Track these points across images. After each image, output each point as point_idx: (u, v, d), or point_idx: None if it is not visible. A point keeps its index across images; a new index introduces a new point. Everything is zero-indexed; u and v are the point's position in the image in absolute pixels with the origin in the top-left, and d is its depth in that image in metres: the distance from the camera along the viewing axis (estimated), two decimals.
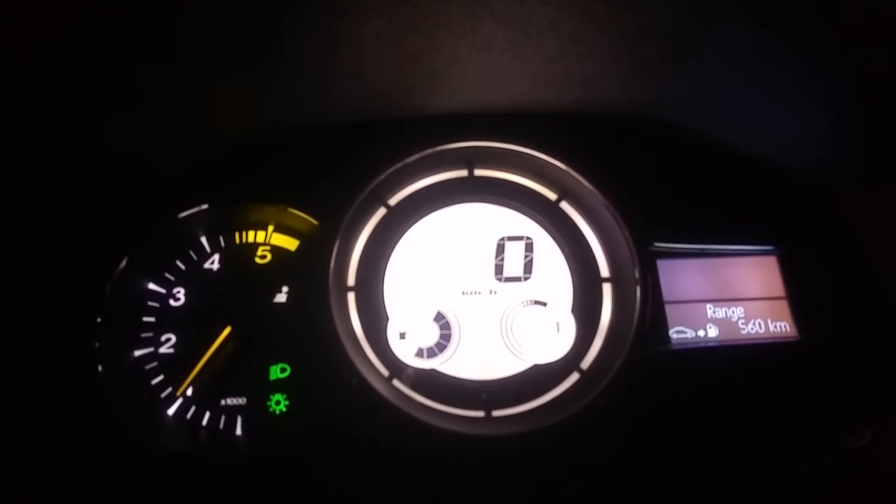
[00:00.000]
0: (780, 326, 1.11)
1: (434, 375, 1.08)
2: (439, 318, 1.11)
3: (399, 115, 1.12)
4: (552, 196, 1.19)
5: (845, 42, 0.77)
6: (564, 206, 1.19)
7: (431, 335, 1.09)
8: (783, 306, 1.12)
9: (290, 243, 1.15)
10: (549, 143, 1.12)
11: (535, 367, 1.09)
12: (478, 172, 1.20)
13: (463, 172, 1.20)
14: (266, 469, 0.97)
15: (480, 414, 1.05)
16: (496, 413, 1.05)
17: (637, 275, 1.06)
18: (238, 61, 0.86)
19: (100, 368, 0.99)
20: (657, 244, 1.11)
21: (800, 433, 1.02)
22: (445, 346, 1.09)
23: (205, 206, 1.08)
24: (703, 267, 1.13)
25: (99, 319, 1.01)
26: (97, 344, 1.00)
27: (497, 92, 1.04)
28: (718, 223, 1.14)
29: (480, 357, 1.09)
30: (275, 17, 0.76)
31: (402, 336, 1.09)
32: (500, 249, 1.15)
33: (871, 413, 1.04)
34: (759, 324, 1.10)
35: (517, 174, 1.20)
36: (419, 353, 1.08)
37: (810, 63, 0.84)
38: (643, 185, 1.12)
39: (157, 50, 0.76)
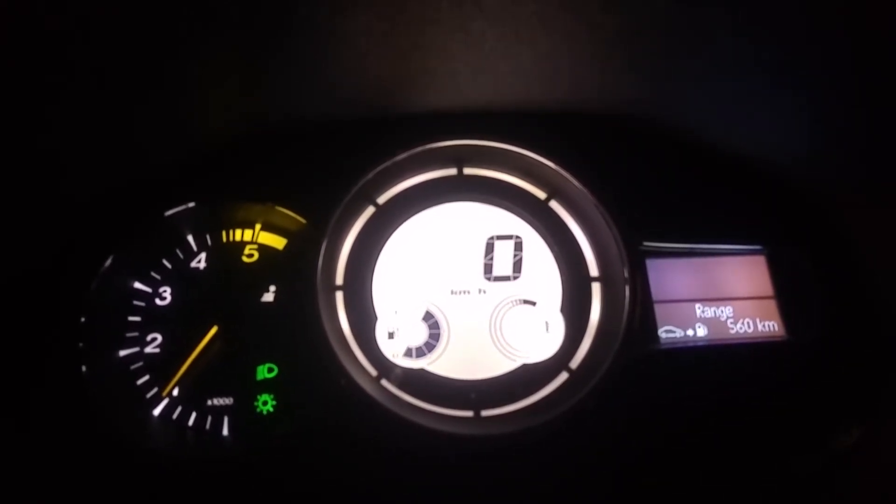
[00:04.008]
0: (769, 326, 1.11)
1: (423, 375, 1.07)
2: (428, 317, 1.10)
3: (388, 113, 1.11)
4: (541, 195, 1.19)
5: (830, 46, 0.78)
6: (554, 205, 1.18)
7: (420, 334, 1.09)
8: (771, 306, 1.12)
9: (277, 242, 1.13)
10: (539, 142, 1.12)
11: (524, 366, 1.08)
12: (467, 171, 1.20)
13: (452, 171, 1.20)
14: (253, 470, 0.96)
15: (469, 414, 1.05)
16: (485, 413, 1.05)
17: (626, 274, 1.06)
18: (233, 59, 0.85)
19: (84, 368, 0.97)
20: (646, 243, 1.11)
21: (788, 433, 1.03)
22: (434, 346, 1.08)
23: (191, 204, 1.07)
24: (692, 266, 1.13)
25: (83, 319, 1.00)
26: (81, 344, 0.99)
27: (487, 90, 1.03)
28: (707, 222, 1.14)
29: (469, 356, 1.09)
30: (267, 14, 0.75)
31: (391, 335, 1.08)
32: (490, 248, 1.15)
33: (860, 413, 1.04)
34: (748, 323, 1.11)
35: (507, 173, 1.20)
36: (408, 353, 1.08)
37: (797, 65, 0.84)
38: (632, 184, 1.12)
39: (156, 49, 0.75)
